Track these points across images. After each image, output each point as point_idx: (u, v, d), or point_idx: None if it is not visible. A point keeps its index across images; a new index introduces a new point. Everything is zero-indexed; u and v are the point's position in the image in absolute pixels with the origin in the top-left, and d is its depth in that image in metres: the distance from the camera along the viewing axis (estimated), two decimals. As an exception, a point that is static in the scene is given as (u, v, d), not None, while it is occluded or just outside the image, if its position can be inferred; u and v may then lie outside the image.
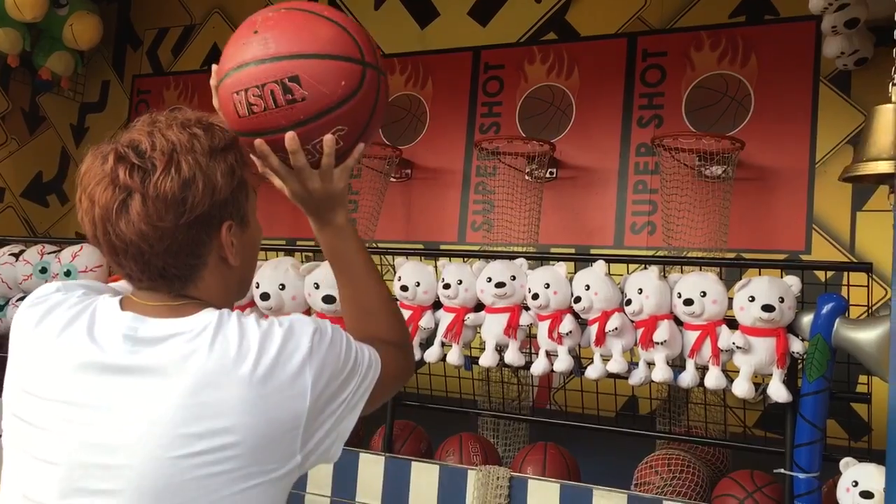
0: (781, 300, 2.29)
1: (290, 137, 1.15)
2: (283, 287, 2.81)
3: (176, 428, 1.00)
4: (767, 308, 2.27)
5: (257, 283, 2.84)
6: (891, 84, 1.98)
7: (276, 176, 1.23)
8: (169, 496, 1.00)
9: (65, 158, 5.20)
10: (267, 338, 1.05)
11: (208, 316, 1.07)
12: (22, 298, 3.32)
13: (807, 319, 2.27)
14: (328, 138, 1.18)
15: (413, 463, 2.66)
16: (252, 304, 2.92)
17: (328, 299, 2.73)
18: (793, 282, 2.33)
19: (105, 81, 5.21)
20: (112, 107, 5.16)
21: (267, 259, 2.98)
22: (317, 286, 2.76)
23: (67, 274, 3.23)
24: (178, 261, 1.08)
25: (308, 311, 2.86)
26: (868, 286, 2.38)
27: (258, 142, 1.17)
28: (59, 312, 1.11)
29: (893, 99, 2.01)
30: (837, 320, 2.20)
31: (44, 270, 3.35)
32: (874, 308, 2.49)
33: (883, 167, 2.15)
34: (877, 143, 2.51)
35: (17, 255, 3.47)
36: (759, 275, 2.43)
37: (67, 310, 1.11)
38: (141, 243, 1.05)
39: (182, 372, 1.02)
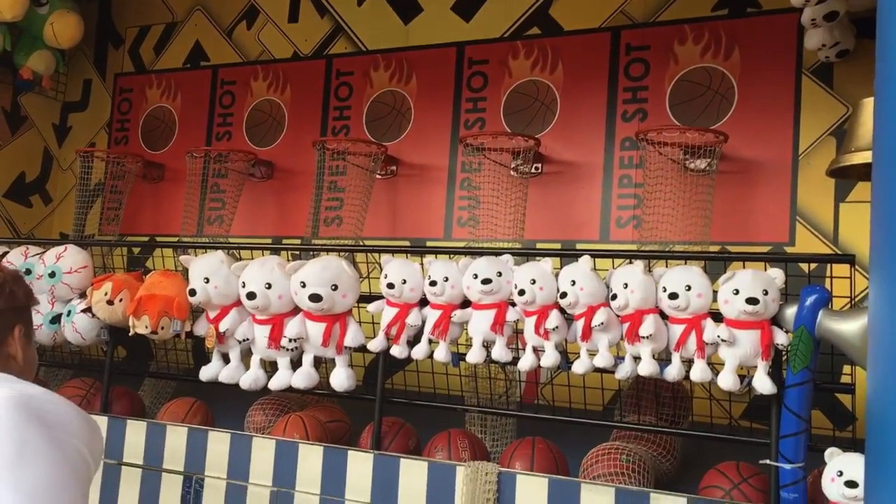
0: (766, 293, 2.30)
1: None
2: (269, 286, 2.81)
3: None
4: (752, 301, 2.29)
5: (243, 283, 2.83)
6: None
7: None
8: None
9: (48, 158, 5.16)
10: None
11: None
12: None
13: (790, 311, 2.29)
14: None
15: (402, 460, 2.67)
16: (238, 303, 2.91)
17: (315, 297, 2.72)
18: (776, 274, 2.35)
19: (87, 80, 5.17)
20: (94, 106, 5.13)
21: (252, 258, 2.97)
22: (303, 284, 2.75)
23: (52, 275, 3.21)
24: None
25: (295, 310, 2.86)
26: (851, 277, 2.40)
27: None
28: None
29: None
30: (821, 312, 2.21)
31: (28, 272, 3.33)
32: (857, 299, 2.51)
33: (870, 156, 2.16)
34: (864, 136, 2.52)
35: (0, 257, 3.45)
36: (744, 268, 2.44)
37: None
38: None
39: None
